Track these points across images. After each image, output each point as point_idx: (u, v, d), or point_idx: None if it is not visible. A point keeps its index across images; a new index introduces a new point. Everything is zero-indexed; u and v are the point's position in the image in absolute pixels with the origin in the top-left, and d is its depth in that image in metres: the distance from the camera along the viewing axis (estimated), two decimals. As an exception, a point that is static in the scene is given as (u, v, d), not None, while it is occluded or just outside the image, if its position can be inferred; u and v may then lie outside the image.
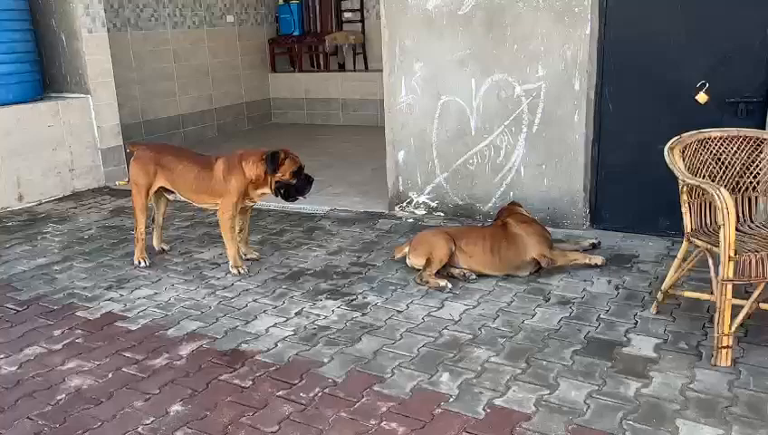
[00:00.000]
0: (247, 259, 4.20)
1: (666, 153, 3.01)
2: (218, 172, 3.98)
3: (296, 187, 3.95)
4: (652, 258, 3.96)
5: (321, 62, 9.91)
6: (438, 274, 3.71)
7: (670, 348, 2.92)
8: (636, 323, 3.17)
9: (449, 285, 3.63)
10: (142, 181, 4.13)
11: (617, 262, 3.91)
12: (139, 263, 4.23)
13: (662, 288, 3.19)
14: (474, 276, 3.74)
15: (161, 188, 4.20)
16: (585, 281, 3.68)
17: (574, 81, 4.26)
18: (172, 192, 4.26)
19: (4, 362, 3.09)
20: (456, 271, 3.77)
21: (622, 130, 4.26)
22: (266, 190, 3.98)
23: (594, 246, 4.09)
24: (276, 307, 3.54)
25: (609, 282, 3.66)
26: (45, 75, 6.35)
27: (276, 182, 3.92)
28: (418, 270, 3.78)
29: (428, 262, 3.72)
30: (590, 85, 4.26)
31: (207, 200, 4.11)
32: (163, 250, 4.48)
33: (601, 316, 3.26)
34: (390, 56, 4.85)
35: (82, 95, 6.25)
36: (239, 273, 3.99)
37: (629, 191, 4.32)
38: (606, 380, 2.70)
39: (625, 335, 3.06)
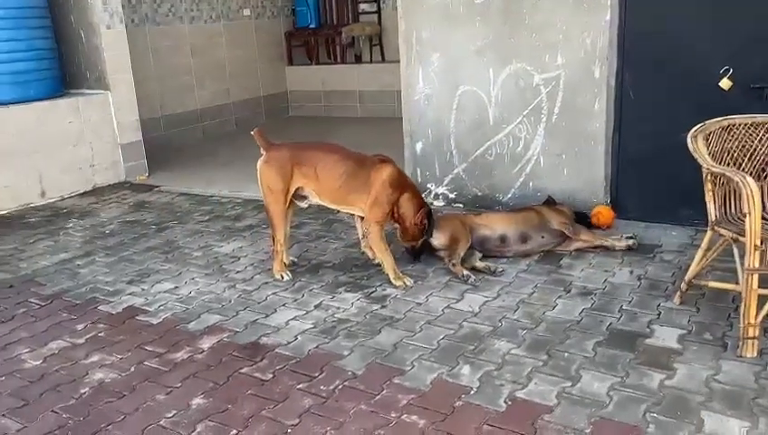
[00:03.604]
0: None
1: (689, 141, 2.95)
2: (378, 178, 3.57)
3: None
4: (675, 248, 3.90)
5: (338, 55, 9.87)
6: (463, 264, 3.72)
7: (695, 339, 2.88)
8: (659, 314, 3.12)
9: (472, 277, 3.60)
10: (279, 186, 3.64)
11: (639, 252, 3.86)
12: (282, 277, 3.79)
13: (686, 278, 3.15)
14: (501, 269, 3.71)
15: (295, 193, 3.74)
16: (607, 272, 3.64)
17: (594, 69, 4.20)
18: (305, 197, 3.76)
19: (28, 356, 3.13)
20: (481, 265, 3.74)
21: (644, 117, 4.19)
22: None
23: (630, 247, 3.88)
24: (296, 300, 3.54)
25: (632, 272, 3.61)
26: (65, 72, 6.40)
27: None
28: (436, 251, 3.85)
29: (451, 247, 3.72)
30: (611, 73, 4.20)
31: (358, 203, 3.65)
32: (293, 263, 4.01)
33: (624, 307, 3.22)
34: (407, 47, 4.82)
35: (102, 91, 6.29)
36: (405, 285, 3.59)
37: (652, 180, 4.26)
38: (629, 371, 2.67)
39: (648, 326, 3.02)
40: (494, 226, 3.90)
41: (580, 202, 4.43)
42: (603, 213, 4.27)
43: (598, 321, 3.10)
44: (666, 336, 2.92)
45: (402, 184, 3.65)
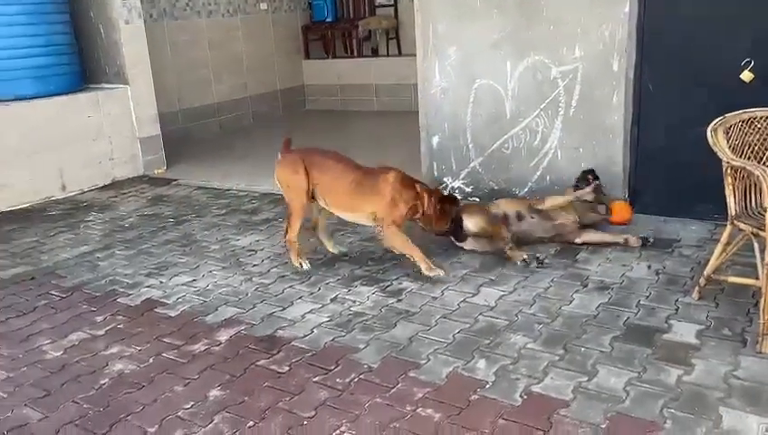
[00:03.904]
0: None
1: (709, 134, 2.92)
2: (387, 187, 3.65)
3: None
4: (694, 242, 3.86)
5: (355, 48, 9.87)
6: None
7: (713, 334, 2.85)
8: (677, 309, 3.09)
9: (534, 261, 3.68)
10: (295, 181, 3.75)
11: (657, 246, 3.83)
12: (300, 265, 3.84)
13: (705, 273, 3.11)
14: (548, 260, 3.75)
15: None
16: (624, 266, 3.61)
17: (612, 61, 4.16)
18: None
19: (50, 347, 3.18)
20: (526, 256, 3.72)
21: (663, 110, 4.15)
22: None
23: (645, 242, 3.84)
24: (312, 293, 3.56)
25: (650, 267, 3.58)
26: (84, 67, 6.46)
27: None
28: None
29: (493, 231, 3.81)
30: (629, 65, 4.15)
31: (365, 209, 3.71)
32: (344, 254, 4.07)
33: (641, 302, 3.20)
34: (424, 41, 4.80)
35: (121, 86, 6.35)
36: (440, 274, 3.58)
37: (671, 173, 4.21)
38: (646, 367, 2.65)
39: (666, 321, 2.99)
40: (501, 207, 4.00)
41: (597, 196, 4.39)
42: (620, 208, 4.23)
43: (615, 315, 3.08)
44: (684, 331, 2.89)
45: (411, 182, 3.73)
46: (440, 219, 3.79)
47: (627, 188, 4.37)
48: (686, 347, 2.77)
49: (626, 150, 4.31)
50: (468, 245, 3.93)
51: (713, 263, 3.07)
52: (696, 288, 3.18)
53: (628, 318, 3.05)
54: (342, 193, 3.72)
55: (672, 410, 2.37)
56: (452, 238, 3.96)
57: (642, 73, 4.16)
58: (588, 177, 4.15)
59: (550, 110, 4.45)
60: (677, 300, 3.18)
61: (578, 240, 3.91)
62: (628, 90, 4.19)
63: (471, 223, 3.85)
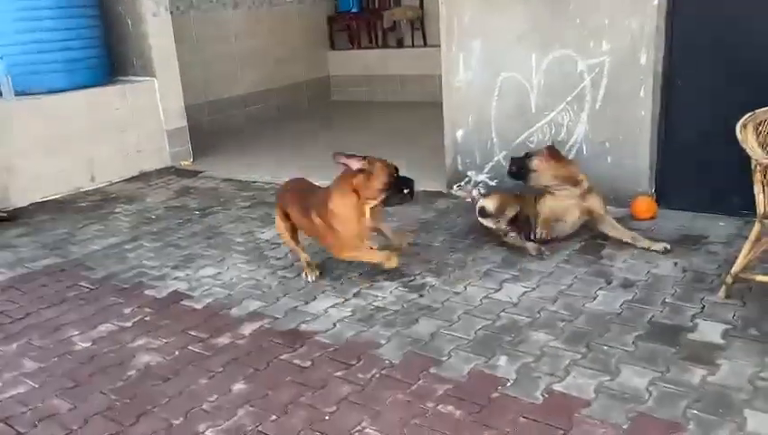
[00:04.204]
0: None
1: (738, 131, 2.86)
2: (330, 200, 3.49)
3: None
4: (722, 239, 3.80)
5: (380, 39, 9.84)
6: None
7: (739, 334, 2.81)
8: (703, 308, 3.05)
9: (536, 247, 3.73)
10: (277, 210, 3.84)
11: (684, 243, 3.78)
12: (306, 277, 3.74)
13: (732, 271, 3.06)
14: (548, 253, 3.75)
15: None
16: (649, 263, 3.57)
17: (640, 55, 4.09)
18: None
19: (79, 338, 3.25)
20: (530, 245, 3.79)
21: (692, 105, 4.07)
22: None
23: (666, 250, 3.67)
24: (335, 288, 3.58)
25: (676, 264, 3.54)
26: (113, 59, 6.55)
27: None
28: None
29: (505, 215, 3.88)
30: (658, 59, 4.08)
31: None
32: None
33: (666, 300, 3.16)
34: (448, 33, 4.77)
35: (148, 78, 6.42)
36: (393, 262, 3.53)
37: (699, 169, 4.14)
38: (670, 366, 2.62)
39: (691, 320, 2.96)
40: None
41: (622, 191, 4.33)
42: (645, 204, 4.18)
43: (639, 313, 3.06)
44: (709, 331, 2.85)
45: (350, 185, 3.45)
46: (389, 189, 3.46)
47: (653, 184, 4.31)
48: (712, 347, 2.74)
49: (653, 145, 4.24)
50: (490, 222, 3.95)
51: (741, 261, 3.02)
52: (723, 287, 3.13)
53: (653, 316, 3.02)
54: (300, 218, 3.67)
55: (695, 412, 2.35)
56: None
57: (671, 67, 4.09)
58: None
59: (575, 103, 4.40)
60: (703, 298, 3.14)
61: (606, 230, 3.85)
62: (656, 84, 4.12)
63: (489, 204, 3.95)
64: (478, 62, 4.70)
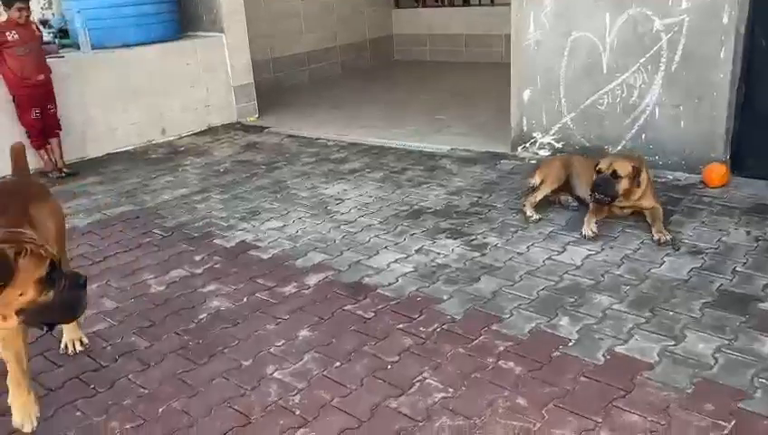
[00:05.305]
0: None
1: (826, 95, 2.73)
2: None
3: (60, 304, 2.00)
4: (800, 209, 3.66)
5: (446, -3, 9.68)
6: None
7: (814, 306, 2.73)
8: (776, 278, 2.97)
9: (535, 217, 3.75)
10: None
11: (759, 212, 3.65)
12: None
13: (809, 242, 2.96)
14: (574, 203, 3.85)
15: None
16: (721, 231, 3.47)
17: (722, 14, 3.91)
18: None
19: (154, 281, 3.42)
20: (562, 197, 3.92)
21: (775, 68, 3.89)
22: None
23: (673, 246, 3.35)
24: (397, 244, 3.63)
25: (749, 233, 3.43)
26: (183, 15, 6.67)
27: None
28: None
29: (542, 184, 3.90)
30: (741, 19, 3.89)
31: None
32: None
33: (737, 269, 3.08)
34: (519, -10, 4.66)
35: (217, 34, 6.53)
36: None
37: (779, 136, 3.97)
38: (738, 335, 2.57)
39: (763, 290, 2.88)
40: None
41: (695, 157, 4.21)
42: (717, 171, 4.04)
43: (707, 281, 2.99)
44: (782, 301, 2.78)
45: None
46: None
47: (728, 150, 4.16)
48: (784, 318, 2.67)
49: (730, 110, 4.08)
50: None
51: (820, 232, 2.91)
52: (799, 257, 3.03)
53: (722, 285, 2.95)
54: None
55: (763, 380, 2.31)
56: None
57: (754, 27, 3.90)
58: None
59: (650, 65, 4.25)
60: (777, 269, 3.05)
61: (646, 205, 3.60)
62: (737, 45, 3.94)
63: (532, 179, 3.97)
64: (549, 21, 4.59)
